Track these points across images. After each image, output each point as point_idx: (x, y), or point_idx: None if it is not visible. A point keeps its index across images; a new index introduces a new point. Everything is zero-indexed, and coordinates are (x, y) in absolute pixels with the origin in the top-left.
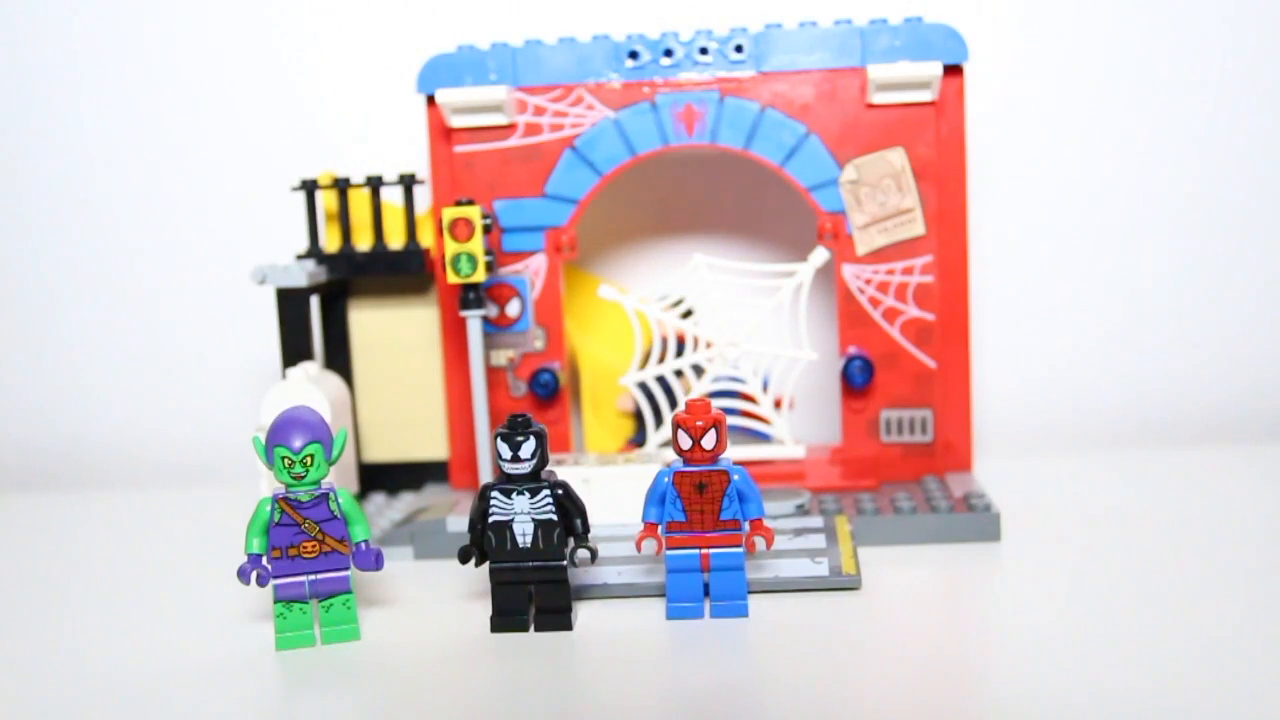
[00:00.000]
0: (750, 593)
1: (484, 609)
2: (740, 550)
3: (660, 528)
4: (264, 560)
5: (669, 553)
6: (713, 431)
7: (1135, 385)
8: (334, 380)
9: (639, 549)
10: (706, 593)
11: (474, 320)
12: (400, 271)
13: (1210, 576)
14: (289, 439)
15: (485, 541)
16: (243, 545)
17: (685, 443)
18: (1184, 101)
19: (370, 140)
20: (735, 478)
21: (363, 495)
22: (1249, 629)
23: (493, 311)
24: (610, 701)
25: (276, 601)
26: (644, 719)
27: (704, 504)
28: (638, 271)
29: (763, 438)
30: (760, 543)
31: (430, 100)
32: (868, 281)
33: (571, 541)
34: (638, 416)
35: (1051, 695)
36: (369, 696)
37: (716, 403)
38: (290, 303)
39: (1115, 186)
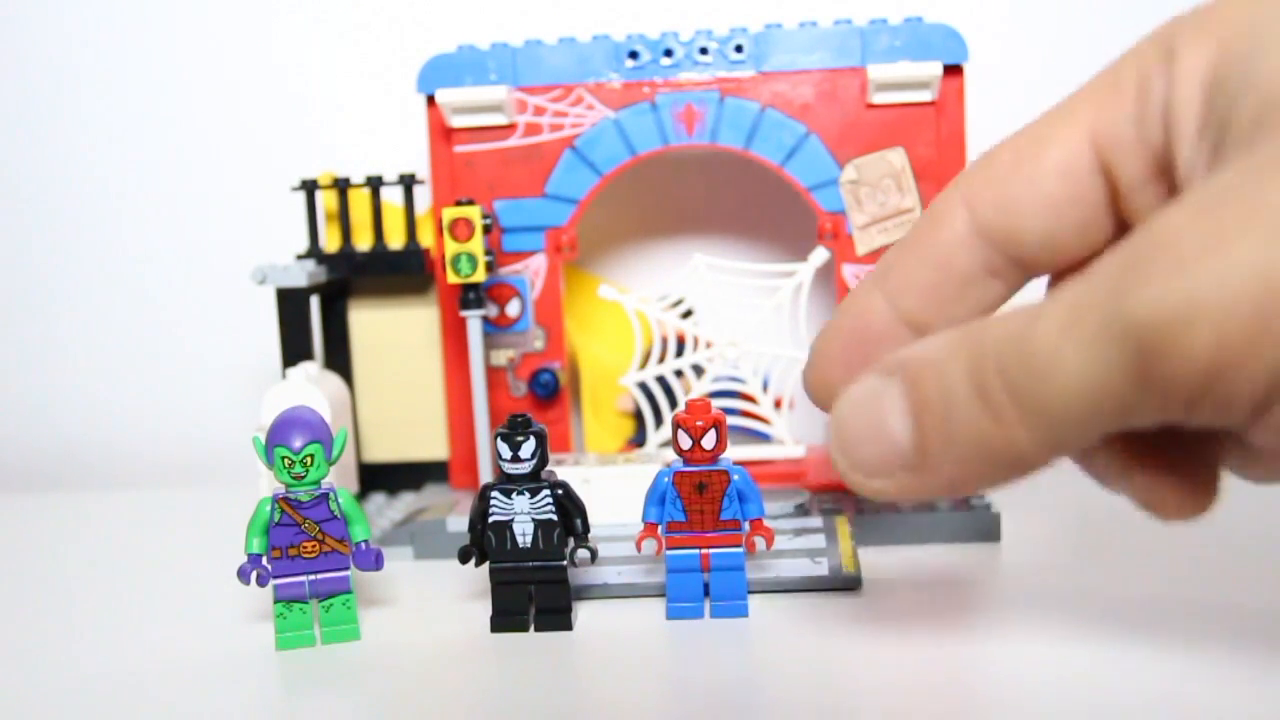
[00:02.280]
0: (750, 593)
1: (484, 609)
2: (740, 550)
3: (660, 528)
4: (264, 560)
5: (669, 553)
6: (713, 431)
7: None
8: (334, 380)
9: (639, 549)
10: (707, 593)
11: (474, 320)
12: (400, 271)
13: (1210, 576)
14: (289, 439)
15: (485, 541)
16: (243, 545)
17: (685, 443)
18: None
19: (370, 140)
20: (735, 478)
21: (363, 495)
22: (1249, 629)
23: (493, 311)
24: (610, 701)
25: (276, 601)
26: (644, 719)
27: (704, 504)
28: (638, 271)
29: (763, 438)
30: (760, 543)
31: (430, 100)
32: None
33: (571, 541)
34: (638, 416)
35: (1051, 695)
36: (369, 696)
37: (716, 403)
38: (290, 303)
39: None
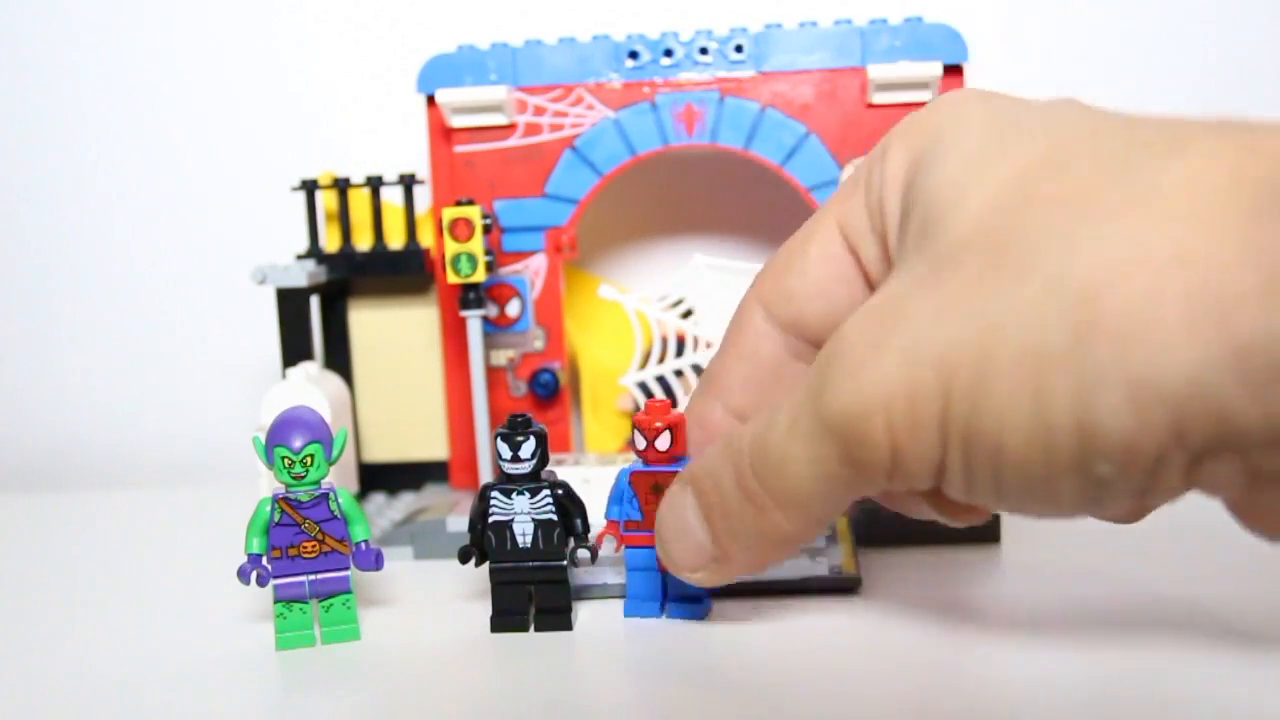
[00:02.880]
0: (748, 593)
1: (484, 609)
2: None
3: (621, 526)
4: (264, 560)
5: (627, 550)
6: (667, 434)
7: None
8: (334, 380)
9: (599, 545)
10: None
11: (474, 320)
12: (400, 271)
13: (1211, 577)
14: (289, 439)
15: (485, 541)
16: (243, 545)
17: (640, 443)
18: (1184, 101)
19: (370, 140)
20: None
21: (363, 495)
22: (1250, 629)
23: (493, 311)
24: (610, 701)
25: (276, 601)
26: (643, 719)
27: (658, 504)
28: (638, 271)
29: None
30: None
31: (430, 100)
32: None
33: (571, 541)
34: None
35: (1051, 696)
36: (369, 696)
37: None
38: (290, 303)
39: None
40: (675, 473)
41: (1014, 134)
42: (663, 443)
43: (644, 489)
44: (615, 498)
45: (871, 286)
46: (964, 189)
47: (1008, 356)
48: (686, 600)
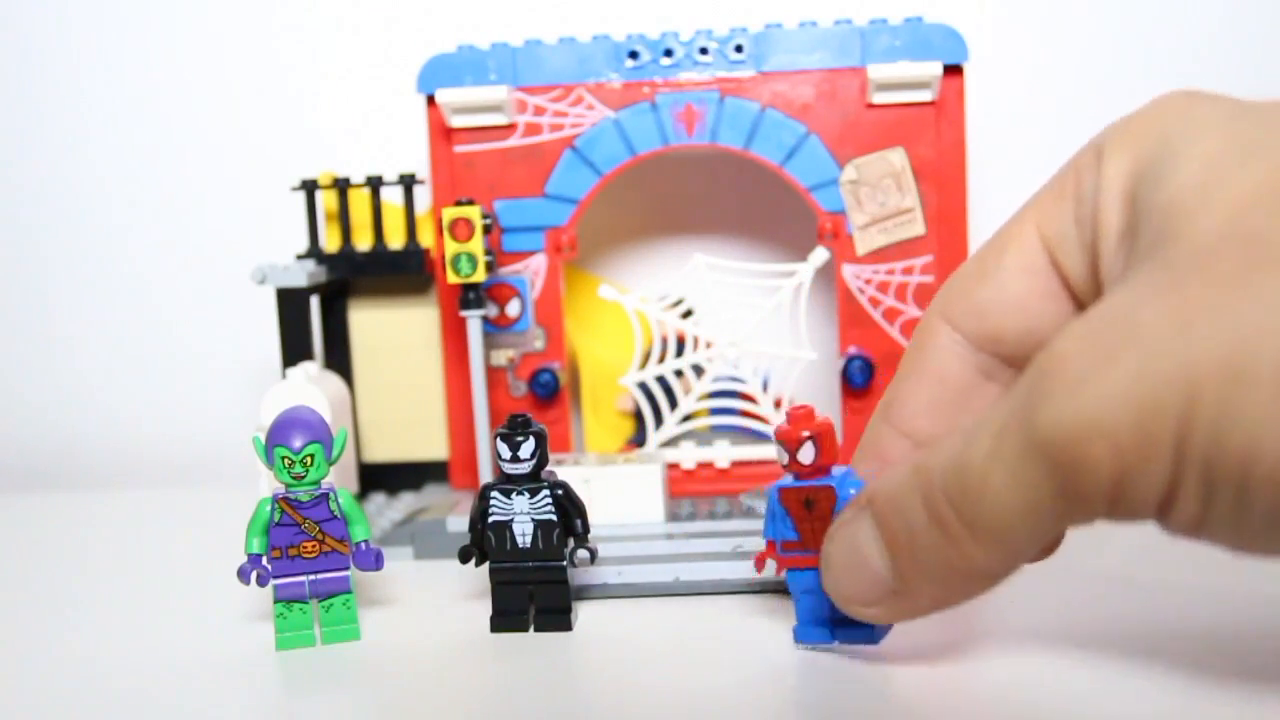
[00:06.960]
0: (749, 593)
1: (484, 609)
2: None
3: (778, 546)
4: (264, 560)
5: (789, 573)
6: (810, 445)
7: None
8: (334, 380)
9: (759, 570)
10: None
11: (474, 320)
12: (400, 271)
13: (1212, 577)
14: (289, 439)
15: (485, 541)
16: (243, 545)
17: (783, 458)
18: None
19: (370, 140)
20: (850, 491)
21: (363, 495)
22: (1251, 629)
23: (493, 311)
24: (610, 701)
25: (276, 601)
26: (644, 719)
27: (813, 521)
28: (638, 271)
29: (763, 438)
30: None
31: (430, 100)
32: (868, 281)
33: (571, 542)
34: (638, 416)
35: (1052, 696)
36: (369, 696)
37: (716, 402)
38: (290, 303)
39: None
40: (828, 486)
41: (1263, 130)
42: (806, 455)
43: (795, 505)
44: (769, 515)
45: (1078, 304)
46: (1209, 190)
47: (1269, 362)
48: (855, 625)
